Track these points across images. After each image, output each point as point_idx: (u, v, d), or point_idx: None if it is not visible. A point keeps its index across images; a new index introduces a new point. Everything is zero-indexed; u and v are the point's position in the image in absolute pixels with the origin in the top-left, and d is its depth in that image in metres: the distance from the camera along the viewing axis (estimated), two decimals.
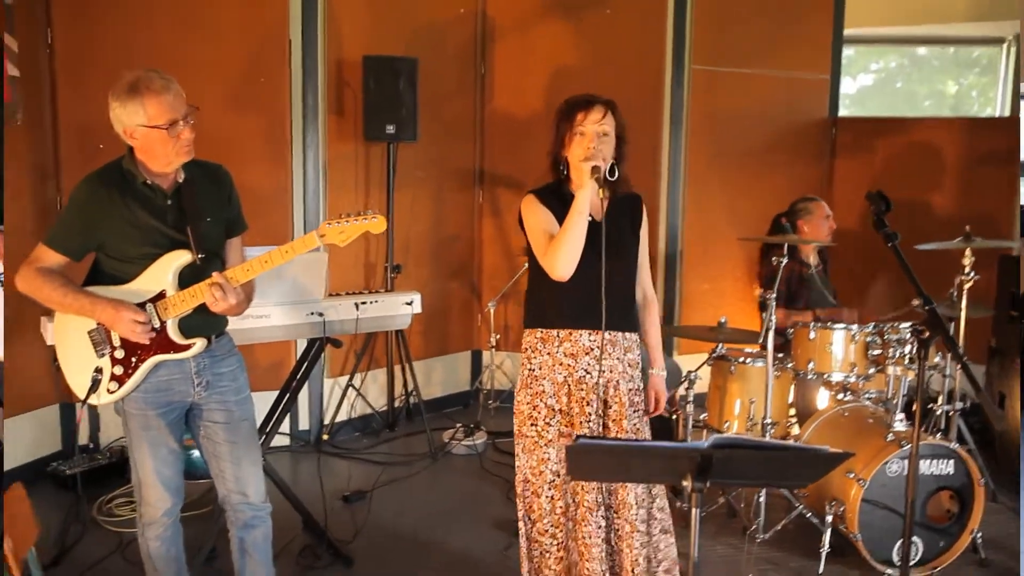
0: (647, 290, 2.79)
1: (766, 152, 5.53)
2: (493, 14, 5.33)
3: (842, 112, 5.79)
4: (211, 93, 4.30)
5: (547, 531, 2.64)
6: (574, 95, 2.61)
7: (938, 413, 3.94)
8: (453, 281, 5.52)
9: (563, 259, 2.49)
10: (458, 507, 4.03)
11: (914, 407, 3.75)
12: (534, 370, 2.62)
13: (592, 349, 2.58)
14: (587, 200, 2.49)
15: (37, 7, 4.10)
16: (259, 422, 3.32)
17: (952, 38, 6.23)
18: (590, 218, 2.54)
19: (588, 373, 2.58)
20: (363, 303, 3.43)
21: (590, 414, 2.57)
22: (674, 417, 4.22)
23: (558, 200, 2.59)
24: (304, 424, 4.85)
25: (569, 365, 2.59)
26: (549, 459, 2.60)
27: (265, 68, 4.44)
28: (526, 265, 2.81)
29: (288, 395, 3.38)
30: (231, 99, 4.38)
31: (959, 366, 2.11)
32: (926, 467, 3.33)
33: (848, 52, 6.86)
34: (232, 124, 4.36)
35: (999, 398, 4.53)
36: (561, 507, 2.62)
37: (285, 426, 4.72)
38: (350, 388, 4.91)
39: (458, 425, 4.89)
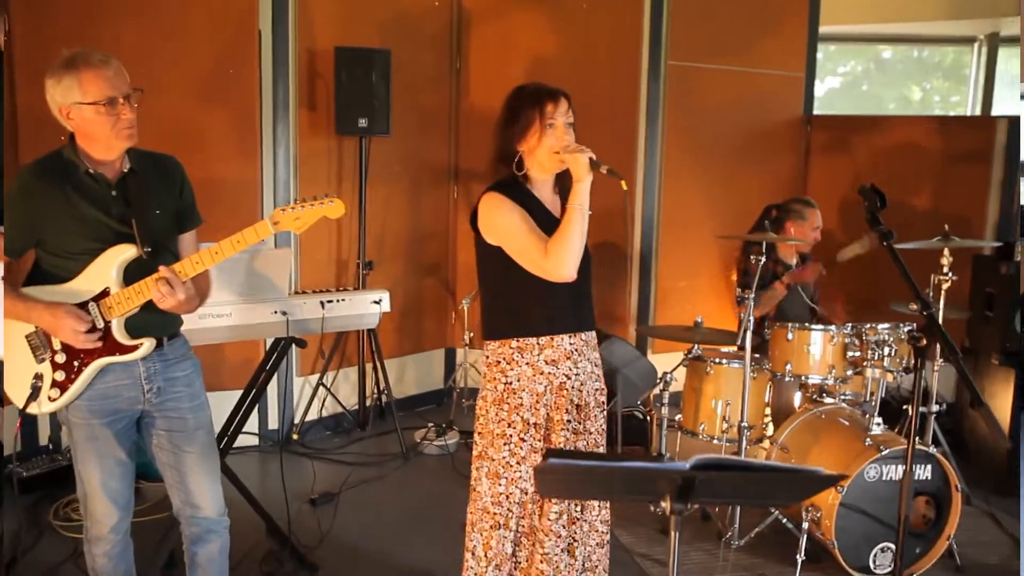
0: None
1: (742, 149, 5.38)
2: (469, 5, 5.13)
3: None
4: (178, 85, 4.07)
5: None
6: (530, 85, 2.39)
7: (911, 415, 3.80)
8: (428, 278, 5.32)
9: (571, 259, 2.26)
10: (428, 510, 3.84)
11: (909, 412, 3.64)
12: (511, 383, 2.37)
13: (572, 352, 2.39)
14: (587, 195, 2.27)
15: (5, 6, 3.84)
16: (223, 422, 3.14)
17: (925, 36, 6.11)
18: (551, 214, 2.36)
19: (568, 378, 2.39)
20: (329, 302, 3.22)
21: (568, 422, 2.38)
22: (647, 419, 4.06)
23: (523, 197, 2.37)
24: (273, 423, 4.63)
25: (549, 373, 2.37)
26: (520, 477, 2.38)
27: (234, 59, 4.21)
28: None
29: (251, 396, 3.16)
30: (199, 91, 4.15)
31: (957, 372, 1.93)
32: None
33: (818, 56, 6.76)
34: (200, 117, 4.14)
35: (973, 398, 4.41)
36: (524, 525, 2.43)
37: (253, 425, 4.50)
38: (320, 387, 4.70)
39: (430, 425, 4.70)
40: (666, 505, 1.56)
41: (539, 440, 2.38)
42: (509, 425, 2.37)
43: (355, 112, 4.35)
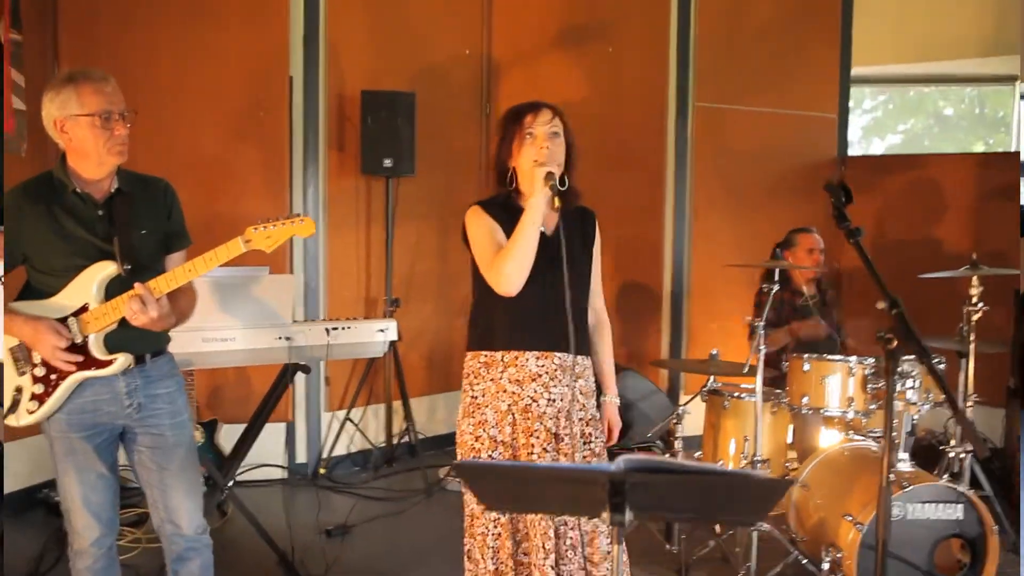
0: (599, 312, 2.44)
1: (773, 189, 5.18)
2: (498, 54, 5.12)
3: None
4: (212, 126, 4.15)
5: (493, 570, 2.26)
6: (519, 103, 2.30)
7: (951, 456, 3.49)
8: (458, 318, 5.20)
9: (511, 272, 2.15)
10: (440, 543, 3.66)
11: (949, 455, 3.36)
12: (476, 397, 2.26)
13: (540, 375, 2.23)
14: (540, 209, 2.16)
15: (46, 43, 3.98)
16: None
17: (960, 76, 5.83)
18: (542, 230, 2.22)
19: (535, 401, 2.22)
20: (334, 329, 3.14)
21: (534, 445, 2.21)
22: (667, 456, 3.83)
23: (505, 212, 2.27)
24: (301, 457, 4.54)
25: (514, 392, 2.22)
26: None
27: (265, 103, 4.27)
28: None
29: (255, 423, 3.08)
30: (231, 132, 4.21)
31: (928, 371, 1.72)
32: (932, 512, 2.88)
33: (876, 115, 6.57)
34: (231, 157, 4.19)
35: (1018, 442, 4.04)
36: (509, 548, 2.25)
37: (282, 458, 4.43)
38: (347, 422, 4.60)
39: (455, 462, 4.53)
40: (606, 516, 1.39)
41: (510, 459, 2.21)
42: (476, 439, 2.24)
43: (380, 152, 4.34)
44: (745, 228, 5.11)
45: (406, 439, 4.80)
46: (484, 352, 2.27)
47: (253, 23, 4.24)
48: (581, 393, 2.29)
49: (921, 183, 5.02)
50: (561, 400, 2.24)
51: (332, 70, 4.46)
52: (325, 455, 4.56)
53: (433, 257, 5.01)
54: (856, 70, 5.30)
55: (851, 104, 5.41)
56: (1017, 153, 5.54)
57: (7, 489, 3.83)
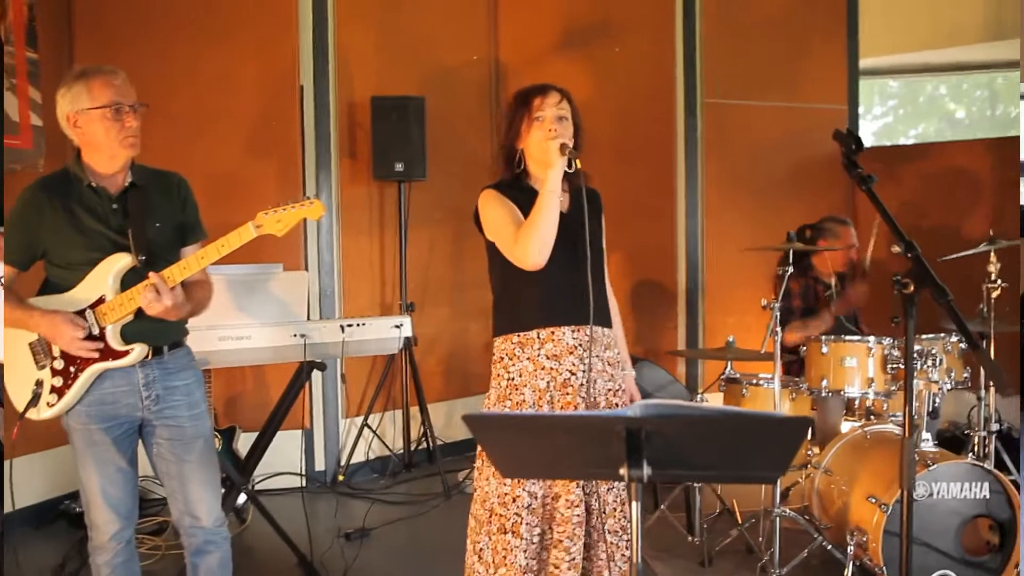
0: (610, 288, 2.45)
1: (785, 183, 5.17)
2: (505, 59, 5.15)
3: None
4: (225, 136, 4.20)
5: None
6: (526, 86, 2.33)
7: (975, 440, 3.45)
8: (474, 323, 5.21)
9: (537, 244, 2.16)
10: (459, 545, 3.62)
11: (974, 439, 3.30)
12: (513, 379, 2.26)
13: (576, 347, 2.24)
14: (559, 180, 2.18)
15: (62, 61, 4.06)
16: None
17: (967, 64, 5.81)
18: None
19: (573, 374, 2.23)
20: (349, 325, 3.15)
21: None
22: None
23: (520, 193, 2.30)
24: (320, 465, 4.54)
25: (552, 368, 2.24)
26: (527, 479, 2.22)
27: (277, 113, 4.32)
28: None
29: (273, 422, 3.09)
30: (245, 142, 4.26)
31: (949, 315, 1.69)
32: (958, 491, 2.84)
33: (887, 120, 6.56)
34: (245, 167, 4.23)
35: None
36: (538, 534, 2.24)
37: (300, 466, 4.43)
38: (365, 428, 4.60)
39: (475, 465, 4.51)
40: (623, 472, 1.38)
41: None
42: None
43: (391, 157, 4.37)
44: (758, 223, 5.08)
45: (424, 445, 4.79)
46: (517, 333, 2.27)
47: (263, 36, 4.30)
48: (609, 364, 2.31)
49: (936, 172, 4.99)
50: (591, 371, 2.26)
51: (342, 78, 4.51)
52: (343, 462, 4.56)
53: (447, 262, 5.03)
54: (864, 61, 5.30)
55: (861, 109, 5.40)
56: None
57: (29, 501, 3.86)
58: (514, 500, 2.22)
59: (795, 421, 1.31)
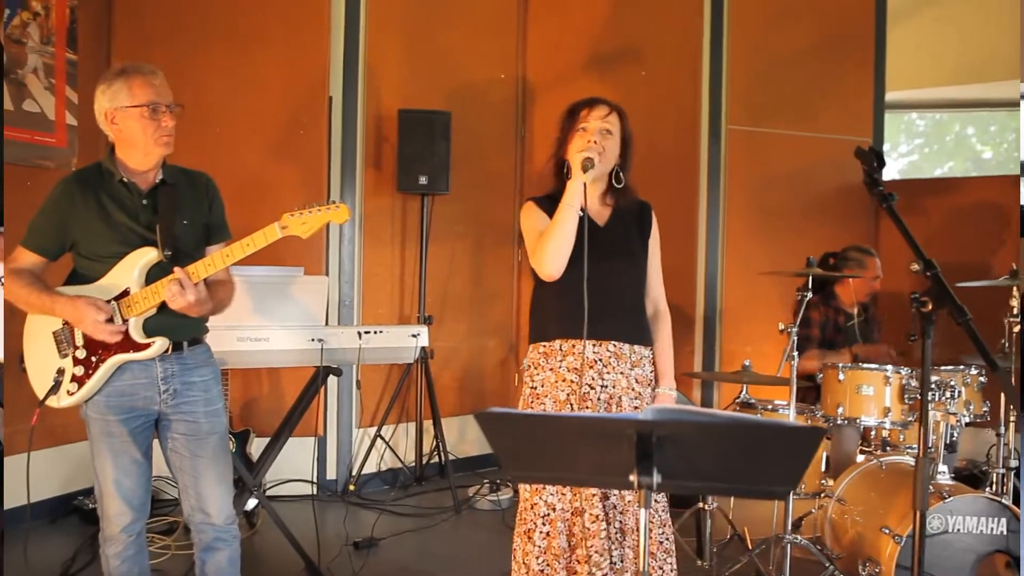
0: (658, 303, 2.46)
1: (808, 213, 5.15)
2: (533, 78, 5.21)
3: None
4: (254, 142, 4.27)
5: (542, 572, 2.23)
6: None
7: (993, 477, 3.40)
8: (491, 339, 5.23)
9: (550, 254, 2.21)
10: (467, 559, 3.64)
11: (992, 476, 3.23)
12: (536, 388, 2.30)
13: (596, 362, 2.26)
14: (577, 193, 2.21)
15: (100, 63, 4.15)
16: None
17: (994, 101, 5.79)
18: (594, 222, 2.30)
19: (592, 388, 2.25)
20: (367, 332, 3.17)
21: None
22: None
23: (555, 204, 2.31)
24: (331, 474, 4.55)
25: (572, 381, 2.26)
26: (544, 488, 2.23)
27: (305, 121, 4.38)
28: None
29: (287, 424, 3.11)
30: (272, 149, 4.32)
31: (967, 334, 1.68)
32: (974, 526, 2.81)
33: (913, 158, 6.54)
34: (272, 172, 4.29)
35: None
36: (557, 547, 2.23)
37: (311, 473, 4.44)
38: (378, 439, 4.61)
39: (485, 481, 4.52)
40: (633, 479, 1.38)
41: None
42: None
43: (415, 170, 4.41)
44: (779, 250, 5.07)
45: (436, 459, 4.79)
46: (543, 343, 2.31)
47: (296, 45, 4.37)
48: (637, 382, 2.31)
49: (962, 206, 4.96)
50: (614, 387, 2.27)
51: (370, 91, 4.58)
52: (355, 472, 4.57)
53: (467, 277, 5.05)
54: (890, 94, 5.29)
55: (887, 146, 5.38)
56: None
57: (43, 495, 3.90)
58: (532, 507, 2.26)
59: (807, 430, 1.31)
